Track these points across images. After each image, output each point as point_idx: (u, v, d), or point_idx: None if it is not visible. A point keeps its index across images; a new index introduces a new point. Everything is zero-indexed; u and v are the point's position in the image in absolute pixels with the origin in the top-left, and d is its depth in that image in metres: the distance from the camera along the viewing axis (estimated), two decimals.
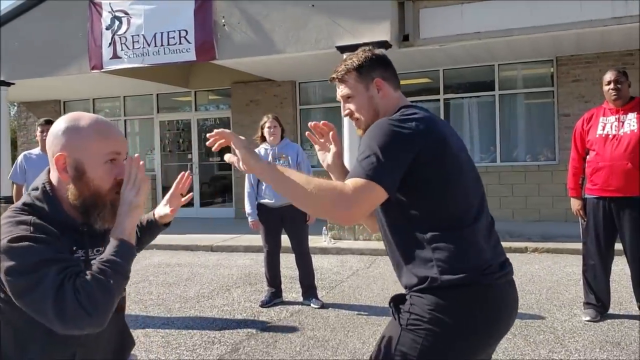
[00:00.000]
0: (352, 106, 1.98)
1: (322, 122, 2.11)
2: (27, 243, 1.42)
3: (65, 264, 1.44)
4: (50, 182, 1.61)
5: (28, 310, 1.41)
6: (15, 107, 15.99)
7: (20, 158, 5.59)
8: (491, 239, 1.85)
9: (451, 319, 1.72)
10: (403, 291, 1.89)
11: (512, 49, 9.88)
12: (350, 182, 1.69)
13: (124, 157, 1.63)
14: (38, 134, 5.53)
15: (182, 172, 2.08)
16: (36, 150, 5.58)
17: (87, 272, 1.45)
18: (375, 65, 1.96)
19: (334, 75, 2.00)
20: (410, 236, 1.80)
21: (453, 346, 1.74)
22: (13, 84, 11.66)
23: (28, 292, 1.39)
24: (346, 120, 9.49)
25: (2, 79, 11.54)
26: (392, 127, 1.75)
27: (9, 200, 11.40)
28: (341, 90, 1.99)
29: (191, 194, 2.21)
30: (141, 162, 1.58)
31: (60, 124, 1.61)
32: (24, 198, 1.60)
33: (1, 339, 1.54)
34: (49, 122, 5.57)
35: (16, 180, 5.51)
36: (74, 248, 1.57)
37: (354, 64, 1.95)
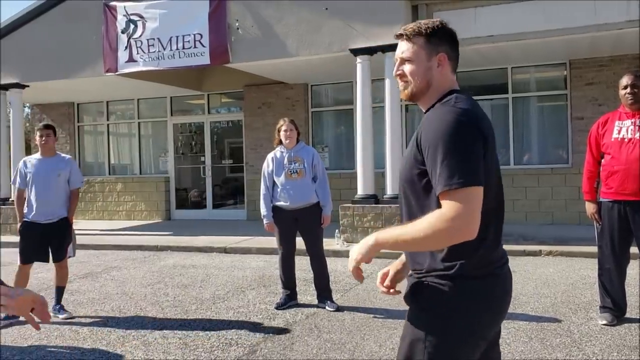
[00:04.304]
0: (406, 69, 1.92)
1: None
2: None
3: None
4: None
5: None
6: (29, 109, 16.14)
7: (20, 164, 5.66)
8: (499, 229, 1.92)
9: (471, 304, 1.81)
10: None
11: (526, 52, 9.87)
12: (450, 201, 1.67)
13: None
14: (37, 138, 5.57)
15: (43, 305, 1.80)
16: (37, 155, 5.64)
17: None
18: (445, 39, 1.91)
19: (402, 32, 1.93)
20: None
21: (473, 328, 1.83)
22: (27, 86, 11.80)
23: None
24: (359, 122, 9.53)
25: (16, 81, 11.67)
26: (460, 121, 1.74)
27: (5, 201, 11.57)
28: (402, 51, 1.92)
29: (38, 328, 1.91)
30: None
31: None
32: None
33: None
34: (48, 127, 5.64)
35: (18, 185, 5.59)
36: None
37: (427, 30, 1.89)
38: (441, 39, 1.91)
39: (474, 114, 1.80)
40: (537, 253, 8.05)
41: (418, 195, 1.86)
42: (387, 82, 9.06)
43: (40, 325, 5.26)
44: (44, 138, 5.52)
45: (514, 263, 7.10)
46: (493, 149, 1.85)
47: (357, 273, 1.90)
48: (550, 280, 6.54)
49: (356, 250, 1.87)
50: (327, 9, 9.24)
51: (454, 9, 9.00)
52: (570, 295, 5.82)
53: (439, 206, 1.74)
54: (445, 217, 1.66)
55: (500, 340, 3.85)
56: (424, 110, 1.96)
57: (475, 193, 1.69)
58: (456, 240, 1.69)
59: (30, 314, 1.76)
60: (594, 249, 5.05)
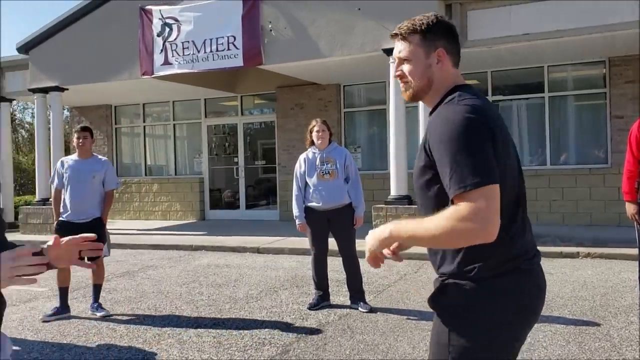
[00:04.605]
0: (405, 69, 1.87)
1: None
2: None
3: None
4: None
5: None
6: (68, 112, 16.56)
7: (58, 164, 5.82)
8: (526, 225, 1.85)
9: (497, 304, 1.74)
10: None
11: (562, 50, 9.67)
12: (467, 201, 1.59)
13: None
14: (75, 140, 5.70)
15: (92, 236, 1.82)
16: (73, 156, 5.77)
17: None
18: (442, 34, 1.84)
19: (396, 31, 1.88)
20: None
21: (502, 330, 1.76)
22: (67, 89, 12.11)
23: None
24: (392, 122, 9.49)
25: (56, 84, 11.99)
26: (467, 119, 1.67)
27: (46, 201, 11.87)
28: (399, 50, 1.88)
29: (93, 266, 2.01)
30: (34, 263, 1.53)
31: None
32: None
33: None
34: (86, 129, 5.76)
35: (55, 185, 5.75)
36: None
37: (422, 27, 1.83)
38: (438, 34, 1.84)
39: (479, 108, 1.72)
40: (574, 255, 7.88)
41: (431, 201, 1.81)
42: None
43: (79, 322, 5.38)
44: (81, 140, 5.65)
45: (550, 265, 6.99)
46: (506, 141, 1.77)
47: (374, 262, 1.88)
48: (588, 282, 6.39)
49: (370, 241, 1.83)
50: (359, 9, 9.22)
51: (488, 8, 8.88)
52: (609, 298, 5.68)
53: None
54: (463, 217, 1.58)
55: (537, 344, 3.79)
56: (429, 110, 1.91)
57: (491, 192, 1.60)
58: (473, 242, 1.62)
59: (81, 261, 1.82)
60: (634, 251, 4.91)
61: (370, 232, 1.85)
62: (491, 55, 9.79)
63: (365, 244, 1.86)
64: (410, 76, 1.86)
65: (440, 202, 1.75)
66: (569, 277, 6.69)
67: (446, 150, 1.66)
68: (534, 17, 8.59)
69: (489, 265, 1.74)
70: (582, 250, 7.97)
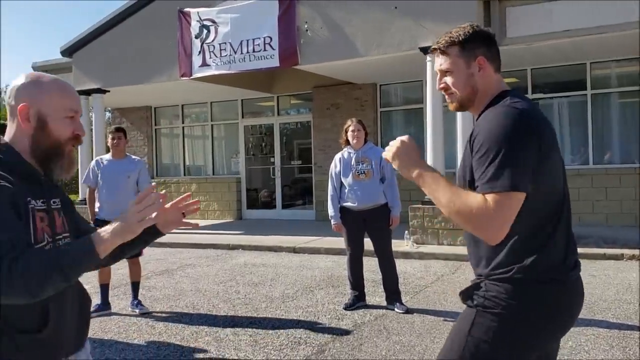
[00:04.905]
0: (448, 80, 1.91)
1: None
2: None
3: (13, 234, 1.47)
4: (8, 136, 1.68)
5: None
6: (110, 114, 16.96)
7: (92, 163, 5.94)
8: (569, 237, 1.85)
9: (525, 309, 1.75)
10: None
11: (605, 47, 9.40)
12: (493, 199, 1.65)
13: (80, 115, 1.74)
14: (109, 140, 5.81)
15: (188, 195, 1.96)
16: (107, 156, 5.89)
17: (38, 254, 1.49)
18: (480, 42, 1.88)
19: (436, 46, 1.92)
20: None
21: (521, 334, 1.76)
22: (108, 91, 12.39)
23: None
24: (429, 121, 9.39)
25: (98, 86, 12.29)
26: (514, 122, 1.70)
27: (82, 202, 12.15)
28: (440, 64, 1.91)
29: (197, 224, 2.12)
30: (159, 200, 1.64)
31: (21, 78, 1.69)
32: None
33: None
34: (120, 130, 5.87)
35: (88, 183, 5.87)
36: (28, 199, 1.59)
37: (459, 38, 1.87)
38: (476, 43, 1.87)
39: (532, 115, 1.75)
40: (619, 257, 7.64)
41: None
42: None
43: (119, 319, 5.50)
44: (115, 140, 5.77)
45: (593, 267, 6.82)
46: (553, 150, 1.78)
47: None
48: (633, 285, 6.19)
49: (399, 157, 1.87)
50: (396, 7, 9.16)
51: (527, 4, 8.70)
52: None
53: None
54: (483, 215, 1.64)
55: (579, 348, 3.69)
56: (476, 117, 1.91)
57: (516, 200, 1.66)
58: (476, 233, 1.71)
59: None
60: None
61: (402, 151, 1.88)
62: (531, 53, 9.59)
63: (392, 148, 1.90)
64: (454, 87, 1.90)
65: None
66: (613, 279, 6.50)
67: (490, 147, 1.69)
68: (575, 13, 8.38)
69: (526, 271, 1.75)
70: (627, 252, 7.72)
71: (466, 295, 1.87)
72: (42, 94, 1.65)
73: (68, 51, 12.48)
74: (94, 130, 12.66)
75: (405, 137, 1.92)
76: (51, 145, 1.65)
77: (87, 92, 12.46)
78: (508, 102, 1.78)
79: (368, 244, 5.66)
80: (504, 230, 1.67)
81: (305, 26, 9.89)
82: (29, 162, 1.65)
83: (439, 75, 1.94)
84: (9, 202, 1.51)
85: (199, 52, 10.84)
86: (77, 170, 12.57)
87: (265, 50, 10.19)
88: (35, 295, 1.47)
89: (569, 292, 1.82)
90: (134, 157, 6.01)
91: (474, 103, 1.90)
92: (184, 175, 15.09)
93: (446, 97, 1.95)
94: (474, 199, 1.67)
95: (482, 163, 1.69)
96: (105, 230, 1.57)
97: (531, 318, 1.75)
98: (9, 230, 1.47)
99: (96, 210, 5.76)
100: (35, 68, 14.06)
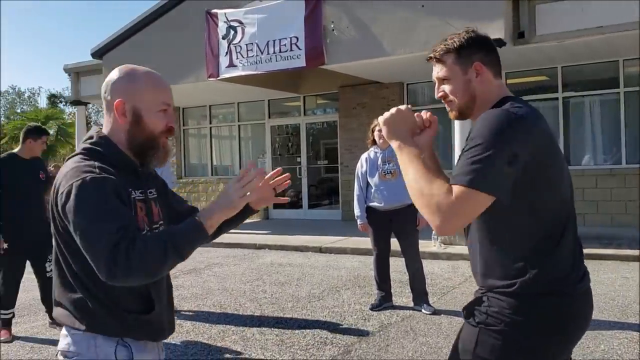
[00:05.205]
0: (446, 88, 1.88)
1: (428, 114, 2.00)
2: (94, 187, 1.55)
3: (124, 222, 1.54)
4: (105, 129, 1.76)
5: (83, 251, 1.54)
6: None
7: None
8: (575, 248, 1.80)
9: (529, 324, 1.70)
10: None
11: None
12: (455, 191, 1.63)
13: (172, 108, 1.80)
14: None
15: (279, 170, 2.01)
16: None
17: (152, 237, 1.56)
18: (476, 48, 1.85)
19: (432, 55, 1.90)
20: (500, 238, 1.77)
21: (527, 350, 1.72)
22: None
23: (88, 236, 1.52)
24: (457, 121, 9.29)
25: None
26: (505, 125, 1.66)
27: None
28: (437, 72, 1.90)
29: (287, 199, 2.19)
30: (259, 176, 1.72)
31: (115, 73, 1.75)
32: (82, 145, 1.73)
33: (76, 270, 1.65)
34: None
35: None
36: (130, 190, 1.67)
37: (454, 45, 1.84)
38: (472, 49, 1.84)
39: (528, 122, 1.70)
40: None
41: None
42: None
43: None
44: None
45: (625, 268, 6.67)
46: (551, 159, 1.73)
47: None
48: None
49: (388, 124, 1.88)
50: (423, 6, 9.09)
51: (558, 0, 8.54)
52: None
53: (497, 214, 1.70)
54: (444, 199, 1.63)
55: (612, 351, 3.61)
56: None
57: (480, 198, 1.63)
58: (429, 219, 1.67)
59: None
60: None
61: (394, 121, 1.89)
62: (561, 50, 9.41)
63: (387, 114, 1.91)
64: (452, 95, 1.88)
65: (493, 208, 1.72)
66: None
67: (474, 143, 1.66)
68: (608, 9, 8.19)
69: (529, 285, 1.71)
70: None
71: (469, 312, 1.84)
72: (137, 89, 1.72)
73: (98, 53, 12.69)
74: None
75: (403, 107, 1.92)
76: (146, 138, 1.73)
77: None
78: (508, 106, 1.75)
79: (395, 244, 5.62)
80: (457, 225, 1.65)
81: (332, 26, 9.88)
82: (127, 154, 1.73)
83: (437, 84, 1.93)
84: (115, 192, 1.58)
85: (226, 52, 10.92)
86: None
87: (291, 50, 10.20)
88: (153, 275, 1.55)
89: (576, 305, 1.76)
90: None
91: (473, 111, 1.87)
92: (212, 175, 15.22)
93: (446, 105, 1.93)
94: (440, 185, 1.67)
95: (463, 157, 1.68)
96: (209, 208, 1.66)
97: (536, 333, 1.70)
98: (120, 218, 1.54)
99: None
100: (66, 70, 14.35)
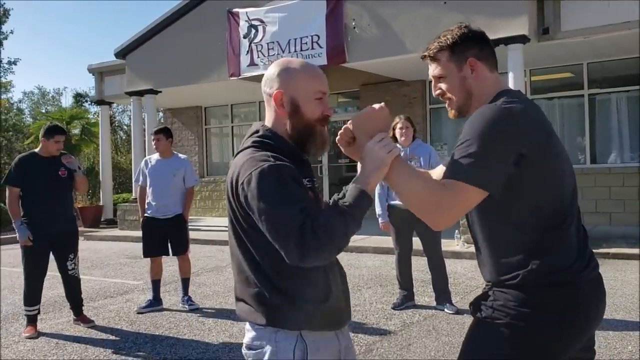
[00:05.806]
0: (443, 86, 1.87)
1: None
2: (273, 173, 1.61)
3: (305, 203, 1.59)
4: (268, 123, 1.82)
5: (270, 237, 1.60)
6: (162, 114, 17.36)
7: (142, 162, 6.18)
8: (579, 237, 1.78)
9: (535, 315, 1.69)
10: None
11: None
12: (446, 186, 1.65)
13: (327, 95, 1.83)
14: (153, 142, 5.98)
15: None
16: (155, 156, 6.08)
17: (329, 211, 1.61)
18: (469, 44, 1.83)
19: (425, 53, 1.89)
20: (501, 231, 1.77)
21: (534, 342, 1.70)
22: (160, 92, 12.68)
23: (274, 220, 1.57)
24: None
25: (150, 87, 12.58)
26: (498, 120, 1.66)
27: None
28: (433, 70, 1.89)
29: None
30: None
31: (273, 68, 1.81)
32: (252, 139, 1.77)
33: (259, 261, 1.71)
34: (158, 132, 6.04)
35: (139, 182, 6.12)
36: (302, 178, 1.72)
37: (447, 42, 1.83)
38: (465, 45, 1.83)
39: (522, 116, 1.69)
40: None
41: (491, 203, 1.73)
42: (510, 75, 8.65)
43: (170, 315, 5.59)
44: (154, 142, 5.96)
45: None
46: (550, 152, 1.71)
47: (341, 136, 1.84)
48: None
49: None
50: (445, 2, 9.01)
51: None
52: None
53: (498, 208, 1.70)
54: (436, 201, 1.64)
55: (634, 350, 3.49)
56: None
57: (473, 193, 1.64)
58: (420, 215, 1.68)
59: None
60: None
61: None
62: (587, 46, 9.25)
63: (353, 119, 1.84)
64: (449, 92, 1.87)
65: (501, 204, 1.72)
66: None
67: (466, 138, 1.66)
68: (635, 4, 8.03)
69: (533, 276, 1.70)
70: None
71: (475, 307, 1.83)
72: (293, 79, 1.77)
73: (121, 53, 12.85)
74: (146, 130, 12.97)
75: (376, 105, 1.89)
76: (305, 127, 1.77)
77: (140, 93, 12.79)
78: (501, 101, 1.74)
79: (417, 243, 5.58)
80: (449, 219, 1.66)
81: (353, 24, 9.85)
82: (292, 145, 1.78)
83: (433, 82, 1.92)
84: (292, 177, 1.63)
85: (247, 51, 10.95)
86: (131, 169, 12.85)
87: (312, 48, 10.20)
88: (340, 248, 1.59)
89: (582, 293, 1.73)
90: (181, 155, 6.17)
91: (472, 107, 1.85)
92: None
93: (446, 104, 1.91)
94: (430, 182, 1.70)
95: (455, 152, 1.68)
96: (363, 175, 1.69)
97: (543, 325, 1.68)
98: (301, 200, 1.60)
99: (145, 207, 5.94)
100: (90, 70, 14.55)
